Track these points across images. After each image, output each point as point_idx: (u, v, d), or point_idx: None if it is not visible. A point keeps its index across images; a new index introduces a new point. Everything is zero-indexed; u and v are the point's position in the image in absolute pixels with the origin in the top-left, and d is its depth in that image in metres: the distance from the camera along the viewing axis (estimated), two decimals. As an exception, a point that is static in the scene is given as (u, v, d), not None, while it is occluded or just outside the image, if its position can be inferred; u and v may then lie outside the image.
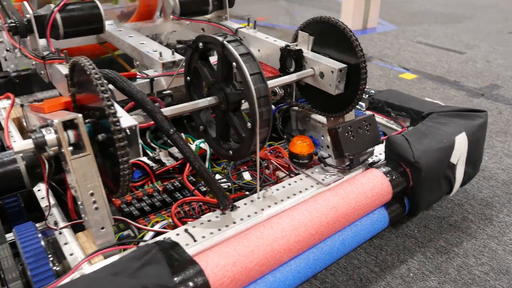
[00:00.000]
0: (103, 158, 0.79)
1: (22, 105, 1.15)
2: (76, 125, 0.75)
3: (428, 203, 1.13)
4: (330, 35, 1.05)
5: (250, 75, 0.83)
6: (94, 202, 0.77)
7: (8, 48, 1.52)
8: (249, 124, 0.87)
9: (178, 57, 1.16)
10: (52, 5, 1.07)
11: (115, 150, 0.72)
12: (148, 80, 1.10)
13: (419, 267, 1.06)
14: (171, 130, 0.81)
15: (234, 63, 0.84)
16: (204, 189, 1.07)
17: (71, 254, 0.79)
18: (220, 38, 0.85)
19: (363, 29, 3.42)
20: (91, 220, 0.78)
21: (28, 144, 0.73)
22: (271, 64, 1.20)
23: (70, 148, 0.74)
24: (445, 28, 3.48)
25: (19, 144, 0.73)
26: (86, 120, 0.77)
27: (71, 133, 0.75)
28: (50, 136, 0.73)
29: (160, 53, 1.15)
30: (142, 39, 1.32)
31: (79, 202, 0.79)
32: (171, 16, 1.32)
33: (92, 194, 0.77)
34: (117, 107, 0.73)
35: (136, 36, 1.35)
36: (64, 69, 0.97)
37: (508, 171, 1.48)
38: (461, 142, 1.09)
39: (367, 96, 1.40)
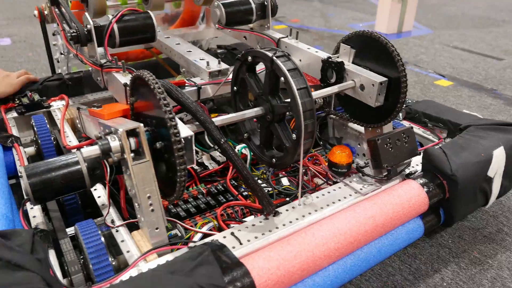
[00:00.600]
0: (158, 164, 0.86)
1: (78, 108, 1.23)
2: (138, 133, 0.82)
3: (463, 215, 1.15)
4: (371, 48, 1.09)
5: (297, 89, 0.88)
6: (151, 204, 0.84)
7: (62, 52, 1.62)
8: (294, 136, 0.92)
9: (223, 66, 1.22)
10: (110, 16, 1.15)
11: (172, 158, 0.79)
12: (195, 88, 1.16)
13: (453, 277, 1.09)
14: (222, 140, 0.87)
15: (282, 78, 0.89)
16: (246, 193, 1.13)
17: (128, 251, 0.86)
18: (270, 54, 0.90)
19: (398, 33, 3.40)
20: (147, 221, 0.84)
21: (95, 150, 0.80)
22: (312, 73, 1.25)
23: (132, 154, 0.81)
24: (482, 32, 3.42)
25: (87, 149, 0.80)
26: (145, 128, 0.84)
27: (132, 140, 0.82)
28: (114, 143, 0.80)
29: (208, 62, 1.21)
30: (189, 46, 1.38)
31: (136, 204, 0.87)
32: (217, 25, 1.38)
33: (149, 197, 0.84)
34: (177, 118, 0.79)
35: (183, 43, 1.42)
36: (121, 77, 1.05)
37: (546, 184, 1.46)
38: (499, 156, 1.10)
39: (404, 106, 1.42)
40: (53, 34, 1.61)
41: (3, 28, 3.33)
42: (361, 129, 1.35)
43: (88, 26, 1.12)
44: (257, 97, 1.01)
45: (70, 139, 1.29)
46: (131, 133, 0.82)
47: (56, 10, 1.38)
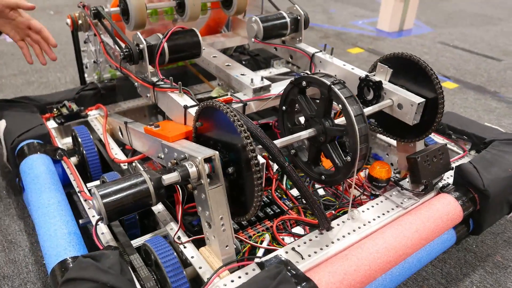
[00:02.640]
0: (229, 186, 0.92)
1: (125, 123, 1.28)
2: (213, 160, 0.88)
3: (491, 224, 1.24)
4: (409, 69, 1.16)
5: (355, 116, 0.95)
6: (223, 225, 0.91)
7: (95, 60, 1.65)
8: (348, 158, 0.99)
9: (266, 82, 1.28)
10: (160, 35, 1.19)
11: (245, 182, 0.86)
12: (242, 105, 1.22)
13: (481, 281, 1.19)
14: (286, 164, 0.94)
15: (340, 105, 0.96)
16: (291, 205, 1.20)
17: (200, 267, 0.93)
18: (328, 82, 0.97)
19: (399, 31, 3.48)
20: (219, 240, 0.91)
21: (175, 176, 0.86)
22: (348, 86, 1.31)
23: (208, 180, 0.88)
24: (481, 31, 3.52)
25: (168, 176, 0.86)
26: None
27: (207, 166, 0.88)
28: (192, 170, 0.86)
29: (252, 80, 1.27)
30: (226, 60, 1.43)
31: (205, 223, 0.93)
32: (253, 39, 1.43)
33: (221, 218, 0.90)
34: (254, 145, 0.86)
35: (219, 56, 1.46)
36: (178, 98, 1.10)
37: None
38: (525, 171, 1.20)
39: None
40: (85, 42, 1.63)
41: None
42: (390, 140, 1.44)
43: (141, 46, 1.16)
44: (309, 118, 1.07)
45: (115, 151, 1.34)
46: (207, 159, 0.88)
47: (96, 22, 1.40)
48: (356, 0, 4.44)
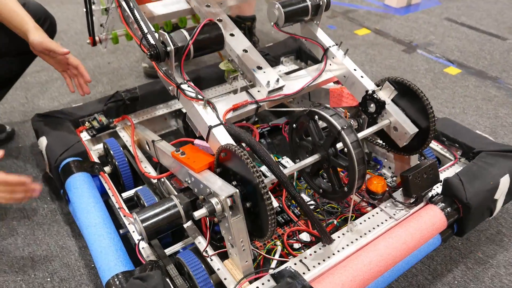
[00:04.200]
0: (248, 214, 1.11)
1: (153, 141, 1.45)
2: (234, 196, 1.06)
3: (472, 228, 1.43)
4: (409, 94, 1.30)
5: (356, 160, 1.10)
6: (243, 246, 1.11)
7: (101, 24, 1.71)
8: (346, 189, 1.16)
9: (281, 83, 1.35)
10: (185, 33, 1.24)
11: (261, 215, 1.05)
12: (255, 106, 1.32)
13: (462, 276, 1.40)
14: (296, 194, 1.11)
15: (345, 149, 1.12)
16: (298, 212, 1.39)
17: (225, 279, 1.14)
18: (338, 127, 1.11)
19: (407, 5, 3.49)
20: (240, 257, 1.11)
21: (204, 212, 1.05)
22: (353, 92, 1.44)
23: (230, 212, 1.06)
24: (488, 4, 3.52)
25: (198, 213, 1.04)
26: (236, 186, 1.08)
27: (228, 200, 1.06)
28: (218, 207, 1.05)
29: (268, 82, 1.34)
30: (242, 41, 1.46)
31: (229, 244, 1.13)
32: (272, 24, 1.46)
33: (241, 241, 1.10)
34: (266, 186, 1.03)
35: (237, 35, 1.48)
36: (203, 112, 1.21)
37: (539, 184, 1.75)
38: (505, 183, 1.37)
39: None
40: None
41: None
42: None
43: (168, 48, 1.21)
44: (317, 143, 1.22)
45: (144, 164, 1.53)
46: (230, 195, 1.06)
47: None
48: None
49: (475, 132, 1.61)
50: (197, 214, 1.05)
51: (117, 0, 1.44)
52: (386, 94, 1.37)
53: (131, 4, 1.36)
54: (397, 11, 3.41)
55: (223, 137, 1.18)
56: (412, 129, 1.29)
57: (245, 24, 2.32)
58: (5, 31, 1.44)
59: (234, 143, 1.15)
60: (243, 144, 1.20)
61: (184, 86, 1.27)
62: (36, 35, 1.39)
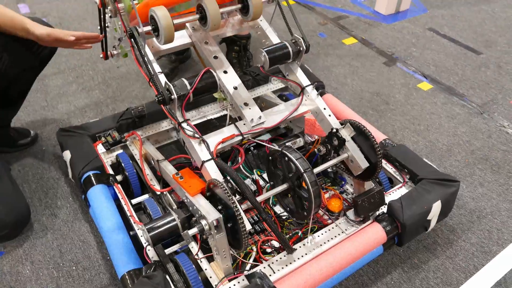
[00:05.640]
0: (230, 230, 1.47)
1: (158, 160, 1.79)
2: (219, 219, 1.41)
3: (409, 241, 1.80)
4: (363, 134, 1.62)
5: (314, 195, 1.45)
6: (224, 254, 1.47)
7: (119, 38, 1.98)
8: (305, 213, 1.52)
9: (262, 119, 1.65)
10: (186, 82, 1.54)
11: (239, 233, 1.41)
12: (241, 138, 1.68)
13: (398, 278, 1.77)
14: (267, 217, 1.47)
15: (306, 187, 1.46)
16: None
17: (211, 277, 1.52)
18: (301, 169, 1.44)
19: (396, 13, 3.74)
20: (221, 262, 1.48)
21: (196, 231, 1.40)
22: (321, 126, 1.76)
23: (215, 230, 1.42)
24: (472, 12, 3.75)
25: (191, 231, 1.40)
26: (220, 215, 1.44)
27: (215, 221, 1.41)
28: (207, 228, 1.40)
29: (252, 120, 1.65)
30: (234, 79, 1.76)
31: (215, 252, 1.49)
32: (259, 66, 1.72)
33: (223, 251, 1.46)
34: (243, 216, 1.38)
35: (230, 72, 1.75)
36: (198, 148, 1.56)
37: (477, 200, 2.10)
38: (436, 207, 1.72)
39: (384, 149, 1.99)
40: (110, 17, 1.88)
41: None
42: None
43: (173, 96, 1.51)
44: (286, 176, 1.57)
45: (150, 177, 1.88)
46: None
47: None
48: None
49: (423, 160, 1.95)
50: (191, 232, 1.41)
51: (130, 41, 1.75)
52: (347, 133, 1.69)
53: (142, 52, 1.67)
54: (385, 19, 3.66)
55: (213, 171, 1.52)
56: (364, 164, 1.62)
57: (241, 42, 2.61)
58: (8, 51, 1.63)
59: (221, 176, 1.49)
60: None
61: (184, 125, 1.60)
62: (41, 29, 1.61)
